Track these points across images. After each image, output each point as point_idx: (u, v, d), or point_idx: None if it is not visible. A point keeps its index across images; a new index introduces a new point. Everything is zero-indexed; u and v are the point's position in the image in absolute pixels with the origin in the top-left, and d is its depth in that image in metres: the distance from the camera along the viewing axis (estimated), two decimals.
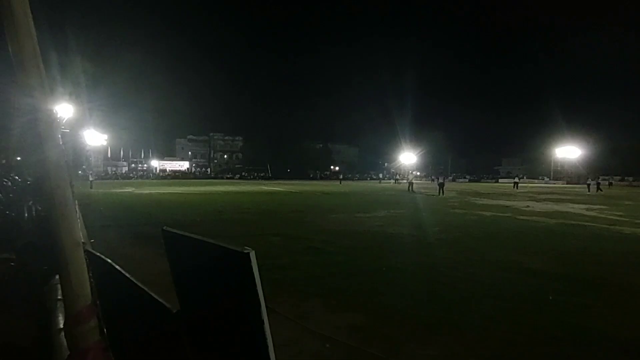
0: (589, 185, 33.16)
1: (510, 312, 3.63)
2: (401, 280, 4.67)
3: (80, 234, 1.03)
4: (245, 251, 0.76)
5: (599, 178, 36.18)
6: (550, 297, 4.03)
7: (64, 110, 18.75)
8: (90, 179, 27.78)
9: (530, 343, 2.98)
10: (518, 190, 31.77)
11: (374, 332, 3.14)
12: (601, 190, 30.16)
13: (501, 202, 17.95)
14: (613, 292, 4.26)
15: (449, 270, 5.18)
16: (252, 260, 0.75)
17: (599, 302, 3.92)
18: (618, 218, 11.62)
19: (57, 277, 1.16)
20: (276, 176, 79.62)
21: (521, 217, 11.60)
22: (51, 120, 1.07)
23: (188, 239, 1.02)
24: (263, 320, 0.76)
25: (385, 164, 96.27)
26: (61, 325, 1.10)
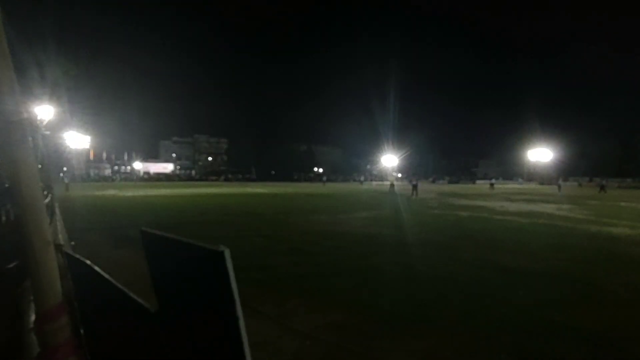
0: (559, 186, 34.20)
1: (483, 307, 3.73)
2: (381, 280, 4.73)
3: (49, 233, 1.02)
4: (220, 250, 0.78)
5: (560, 179, 37.36)
6: (520, 292, 4.16)
7: (44, 111, 18.17)
8: (66, 181, 26.80)
9: (500, 335, 3.07)
10: (494, 191, 32.55)
11: (353, 330, 3.18)
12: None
13: (478, 203, 18.35)
14: (578, 287, 4.42)
15: (426, 269, 5.27)
16: (226, 258, 0.77)
17: (565, 297, 4.07)
18: (586, 217, 12.05)
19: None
20: (261, 178, 79.24)
21: (496, 217, 11.90)
22: (21, 120, 1.05)
23: (166, 239, 1.02)
24: (238, 317, 0.78)
25: (368, 166, 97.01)
26: (32, 324, 1.09)
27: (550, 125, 66.23)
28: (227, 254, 0.77)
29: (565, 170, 67.30)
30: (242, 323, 0.78)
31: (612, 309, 3.74)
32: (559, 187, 34.02)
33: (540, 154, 64.08)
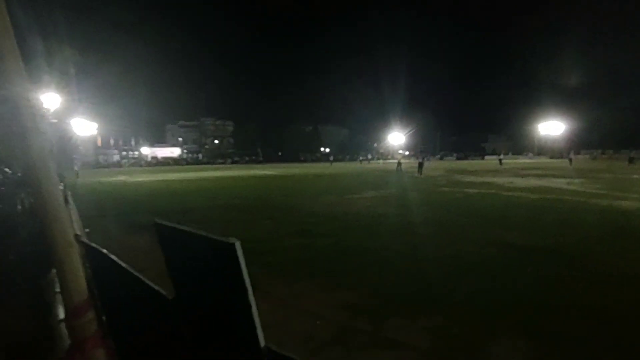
0: (570, 159, 33.74)
1: (490, 285, 3.80)
2: (389, 260, 4.80)
3: (72, 233, 1.07)
4: (231, 242, 0.82)
5: (571, 152, 36.72)
6: (528, 270, 4.21)
7: (51, 100, 18.28)
8: (75, 168, 26.96)
9: (507, 313, 3.14)
10: (503, 167, 32.25)
11: (363, 310, 3.27)
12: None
13: (486, 179, 18.25)
14: (586, 263, 4.45)
15: (434, 248, 5.33)
16: (237, 250, 0.82)
17: (572, 272, 4.11)
18: (596, 191, 11.94)
19: (54, 270, 1.21)
20: (268, 160, 79.34)
21: (505, 194, 11.85)
22: (33, 111, 1.07)
23: (178, 231, 1.07)
24: (250, 304, 0.83)
25: (375, 144, 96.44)
26: (61, 317, 1.16)
27: (561, 97, 64.72)
28: (239, 245, 0.82)
29: (577, 143, 66.19)
30: (254, 310, 0.83)
31: (621, 286, 3.77)
32: (570, 160, 33.59)
33: (551, 127, 62.97)
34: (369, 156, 76.61)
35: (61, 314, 1.18)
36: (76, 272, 1.07)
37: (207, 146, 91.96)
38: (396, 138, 68.10)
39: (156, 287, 1.25)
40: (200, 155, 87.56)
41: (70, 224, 1.07)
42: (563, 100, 63.93)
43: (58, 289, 1.23)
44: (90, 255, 1.86)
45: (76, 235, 1.90)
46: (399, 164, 29.60)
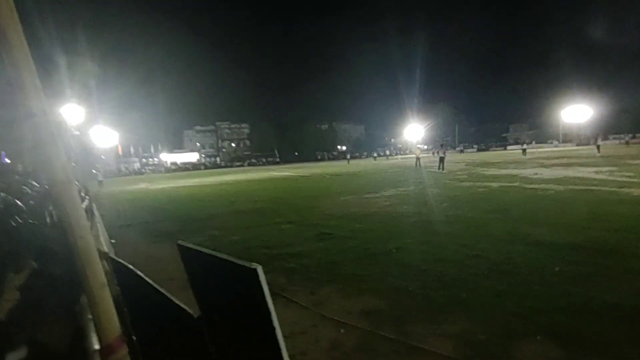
0: (598, 146, 32.52)
1: (517, 286, 3.72)
2: (411, 261, 4.77)
3: (103, 273, 1.13)
4: (253, 267, 0.85)
5: (598, 138, 35.17)
6: (557, 268, 4.10)
7: (74, 112, 18.92)
8: (100, 178, 27.64)
9: (535, 316, 3.07)
10: (526, 157, 31.41)
11: (386, 315, 3.27)
12: None
13: (509, 171, 17.82)
14: (619, 259, 4.30)
15: (457, 247, 5.26)
16: (259, 274, 0.85)
17: (604, 270, 3.97)
18: (628, 179, 11.49)
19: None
20: (284, 160, 79.80)
21: (529, 186, 11.55)
22: (52, 125, 1.10)
23: (201, 253, 1.11)
24: (274, 327, 0.86)
25: (392, 140, 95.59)
26: (96, 347, 1.22)
27: (586, 81, 62.40)
28: (260, 270, 0.85)
29: (605, 128, 63.69)
30: (279, 332, 0.86)
31: None
32: (598, 147, 32.38)
33: (576, 113, 60.82)
34: (387, 152, 75.94)
35: (95, 343, 1.23)
36: (109, 312, 1.12)
37: (224, 149, 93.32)
38: (414, 132, 67.19)
39: (182, 305, 1.30)
40: (218, 159, 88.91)
41: (102, 269, 1.12)
42: (588, 84, 61.71)
43: (90, 315, 1.29)
44: (118, 271, 1.93)
45: (103, 252, 1.98)
46: (418, 159, 29.20)
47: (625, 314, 3.00)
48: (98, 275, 1.10)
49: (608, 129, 64.22)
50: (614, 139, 59.49)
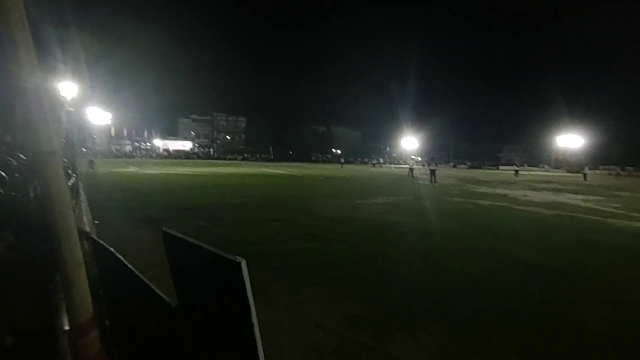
0: (585, 175, 33.11)
1: (497, 304, 3.74)
2: (396, 270, 4.77)
3: (81, 252, 1.09)
4: (237, 260, 0.82)
5: (586, 167, 35.82)
6: (536, 290, 4.13)
7: (68, 88, 18.64)
8: (91, 158, 27.18)
9: (512, 335, 3.09)
10: (518, 178, 31.79)
11: (366, 322, 3.26)
12: None
13: (499, 191, 18.01)
14: (600, 287, 4.36)
15: (443, 260, 5.28)
16: (243, 269, 0.82)
17: (584, 297, 4.02)
18: (613, 210, 11.68)
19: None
20: (278, 158, 79.71)
21: (518, 207, 11.68)
22: (43, 101, 1.06)
23: (185, 242, 1.08)
24: (253, 324, 0.83)
25: (387, 148, 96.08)
26: (65, 327, 1.17)
27: (580, 110, 63.40)
28: (244, 264, 0.82)
29: (596, 158, 64.86)
30: (256, 330, 0.83)
31: (633, 311, 3.68)
32: (585, 175, 32.89)
33: (569, 140, 61.84)
34: (381, 160, 76.30)
35: (65, 325, 1.19)
36: (82, 292, 1.08)
37: (218, 141, 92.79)
38: (409, 143, 67.63)
39: (160, 294, 1.26)
40: (212, 150, 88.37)
41: (79, 247, 1.08)
42: (581, 113, 62.71)
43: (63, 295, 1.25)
44: (98, 253, 1.88)
45: (84, 232, 1.93)
46: (411, 170, 29.38)
47: (603, 342, 3.03)
48: (75, 253, 1.06)
49: (599, 158, 65.41)
50: (604, 169, 60.63)
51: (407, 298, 3.83)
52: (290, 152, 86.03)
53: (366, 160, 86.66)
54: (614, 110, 65.48)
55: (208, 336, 1.09)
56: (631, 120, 65.47)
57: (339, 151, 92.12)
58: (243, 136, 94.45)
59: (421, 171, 33.53)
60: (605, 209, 12.05)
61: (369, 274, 4.57)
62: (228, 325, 0.95)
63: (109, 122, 58.24)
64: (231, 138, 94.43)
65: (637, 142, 62.94)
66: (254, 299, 0.78)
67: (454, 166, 76.16)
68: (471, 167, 75.43)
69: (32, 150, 1.06)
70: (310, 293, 3.91)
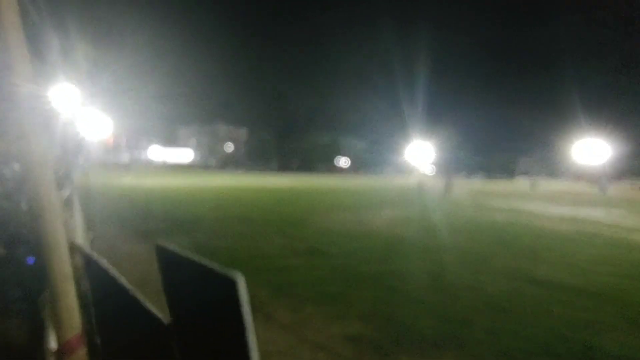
0: (603, 187, 32.75)
1: (512, 325, 3.68)
2: (404, 288, 4.73)
3: (70, 266, 1.10)
4: (234, 277, 0.82)
5: (604, 178, 35.43)
6: (554, 310, 4.06)
7: (66, 97, 18.96)
8: (86, 169, 27.38)
9: (529, 359, 3.03)
10: (534, 191, 31.52)
11: (370, 343, 3.21)
12: None
13: (516, 205, 17.85)
14: (622, 307, 4.27)
15: (453, 277, 5.22)
16: (240, 286, 0.82)
17: (605, 318, 3.94)
18: (638, 226, 11.51)
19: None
20: (282, 169, 79.91)
21: (534, 222, 11.56)
22: (36, 109, 1.08)
23: (179, 257, 1.09)
24: (250, 343, 0.83)
25: (395, 159, 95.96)
26: (53, 344, 1.18)
27: (600, 120, 63.01)
28: (241, 281, 0.82)
29: (618, 170, 64.26)
30: (254, 350, 0.83)
31: None
32: (602, 188, 32.48)
33: (590, 150, 61.36)
34: (394, 171, 76.19)
35: (53, 342, 1.20)
36: (71, 307, 1.09)
37: (220, 152, 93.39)
38: (418, 154, 67.53)
39: (152, 310, 1.27)
40: (213, 161, 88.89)
41: (69, 262, 1.10)
42: (603, 122, 62.31)
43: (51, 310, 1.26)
44: (90, 267, 1.90)
45: (77, 245, 1.95)
46: (422, 181, 29.29)
47: None
48: (63, 266, 1.07)
49: (622, 171, 64.81)
50: (630, 182, 59.94)
51: (415, 318, 3.79)
52: (295, 163, 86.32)
53: (374, 171, 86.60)
54: (635, 120, 65.06)
55: (202, 355, 1.09)
56: None
57: (344, 162, 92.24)
58: (245, 147, 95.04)
59: (432, 183, 33.40)
60: (629, 224, 11.89)
61: (374, 292, 4.53)
62: (223, 345, 0.95)
63: (110, 131, 58.97)
64: (233, 148, 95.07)
65: None
66: (252, 316, 0.78)
67: (467, 178, 75.81)
68: (485, 178, 75.01)
69: (24, 160, 1.08)
70: (312, 311, 3.88)
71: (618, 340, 3.42)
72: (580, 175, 66.66)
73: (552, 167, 77.19)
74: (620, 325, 3.77)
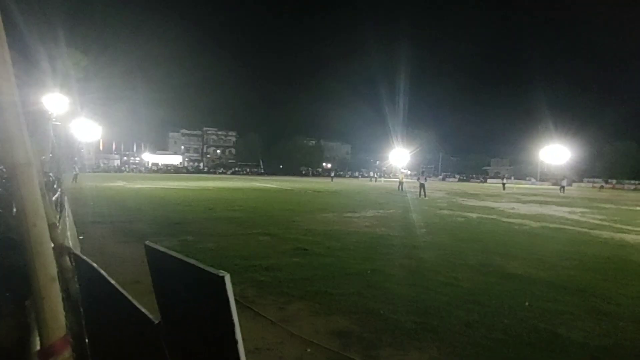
0: (562, 187, 33.84)
1: (487, 317, 3.72)
2: (385, 284, 4.74)
3: (55, 266, 1.05)
4: (221, 275, 0.80)
5: (564, 180, 36.72)
6: (527, 303, 4.14)
7: (55, 102, 18.46)
8: (74, 172, 26.61)
9: (502, 348, 3.07)
10: (505, 191, 32.20)
11: (355, 337, 3.20)
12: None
13: (488, 204, 18.19)
14: (586, 298, 4.38)
15: (432, 274, 5.27)
16: (226, 283, 0.80)
17: (571, 308, 4.03)
18: (599, 222, 11.88)
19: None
20: (269, 172, 79.61)
21: (506, 220, 11.79)
22: (20, 116, 1.04)
23: (169, 256, 1.06)
24: (237, 340, 0.81)
25: (377, 162, 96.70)
26: (37, 347, 1.13)
27: (565, 124, 64.93)
28: (228, 279, 0.80)
29: (580, 171, 66.31)
30: (240, 346, 0.81)
31: (619, 322, 3.70)
32: (562, 188, 33.47)
33: (554, 154, 63.15)
34: (371, 174, 76.70)
35: (38, 345, 1.14)
36: (56, 309, 1.04)
37: (208, 155, 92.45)
38: (399, 157, 68.24)
39: (142, 309, 1.22)
40: (202, 165, 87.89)
41: (53, 261, 1.05)
42: (566, 128, 64.23)
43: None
44: (80, 268, 1.83)
45: (67, 247, 1.88)
46: (401, 183, 29.55)
47: (591, 354, 3.03)
48: (48, 267, 1.02)
49: (583, 171, 66.91)
50: (588, 182, 61.99)
51: (397, 313, 3.79)
52: (281, 166, 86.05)
53: (357, 174, 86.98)
54: (596, 124, 67.26)
55: (191, 353, 1.06)
56: (613, 134, 67.37)
57: (329, 165, 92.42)
58: (233, 150, 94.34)
59: (411, 184, 33.74)
60: (590, 220, 12.25)
61: (357, 289, 4.52)
62: (212, 342, 0.93)
63: (99, 136, 57.63)
64: (221, 152, 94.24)
65: (618, 156, 64.65)
66: (240, 314, 0.76)
67: (443, 179, 76.93)
68: (460, 180, 76.26)
69: (8, 162, 1.03)
70: (299, 308, 3.85)
71: (582, 329, 3.50)
72: (547, 177, 68.55)
73: (522, 169, 78.98)
74: (584, 315, 3.87)
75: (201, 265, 0.86)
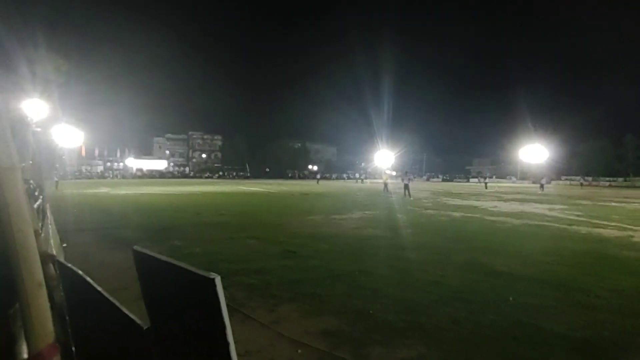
0: (541, 185, 34.70)
1: (473, 313, 3.78)
2: (373, 284, 4.76)
3: (41, 272, 1.02)
4: (211, 277, 0.80)
5: (543, 178, 37.71)
6: (511, 298, 4.22)
7: (35, 108, 17.96)
8: (55, 178, 25.91)
9: (489, 343, 3.12)
10: (487, 190, 32.80)
11: (345, 337, 3.21)
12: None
13: (471, 203, 18.50)
14: (567, 293, 4.49)
15: (419, 273, 5.32)
16: (217, 285, 0.79)
17: (554, 303, 4.13)
18: (577, 218, 12.20)
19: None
20: (255, 175, 79.21)
21: (489, 218, 12.01)
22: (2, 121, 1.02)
23: (157, 260, 1.04)
24: (228, 342, 0.80)
25: (362, 164, 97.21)
26: (25, 356, 1.09)
27: (543, 125, 66.66)
28: (219, 280, 0.80)
29: (558, 170, 68.10)
30: (232, 348, 0.80)
31: (599, 314, 3.81)
32: (541, 186, 34.34)
33: (533, 153, 64.66)
34: (357, 175, 77.12)
35: (24, 353, 1.11)
36: (43, 316, 1.01)
37: (194, 160, 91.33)
38: (384, 158, 68.72)
39: (131, 315, 1.20)
40: (188, 169, 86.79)
41: (40, 267, 1.02)
42: (545, 128, 65.92)
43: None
44: (65, 276, 1.78)
45: (51, 255, 1.83)
46: (386, 184, 29.72)
47: (573, 346, 3.11)
48: (35, 273, 1.00)
49: (561, 170, 68.78)
50: (565, 179, 63.76)
51: (386, 312, 3.82)
52: (267, 170, 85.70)
53: (343, 176, 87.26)
54: (573, 124, 69.20)
55: (182, 357, 1.04)
56: (588, 133, 69.48)
57: (315, 167, 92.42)
58: (219, 154, 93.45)
59: (396, 185, 34.03)
60: (569, 217, 12.58)
61: (346, 289, 4.54)
62: (203, 345, 0.92)
63: (81, 142, 56.28)
64: (207, 156, 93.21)
65: (594, 154, 66.77)
66: (230, 317, 0.76)
67: (427, 180, 77.91)
68: (443, 180, 77.35)
69: None
70: (288, 310, 3.84)
71: (564, 322, 3.59)
72: (527, 176, 70.10)
73: (503, 168, 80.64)
74: (565, 308, 3.97)
75: (191, 268, 0.85)
